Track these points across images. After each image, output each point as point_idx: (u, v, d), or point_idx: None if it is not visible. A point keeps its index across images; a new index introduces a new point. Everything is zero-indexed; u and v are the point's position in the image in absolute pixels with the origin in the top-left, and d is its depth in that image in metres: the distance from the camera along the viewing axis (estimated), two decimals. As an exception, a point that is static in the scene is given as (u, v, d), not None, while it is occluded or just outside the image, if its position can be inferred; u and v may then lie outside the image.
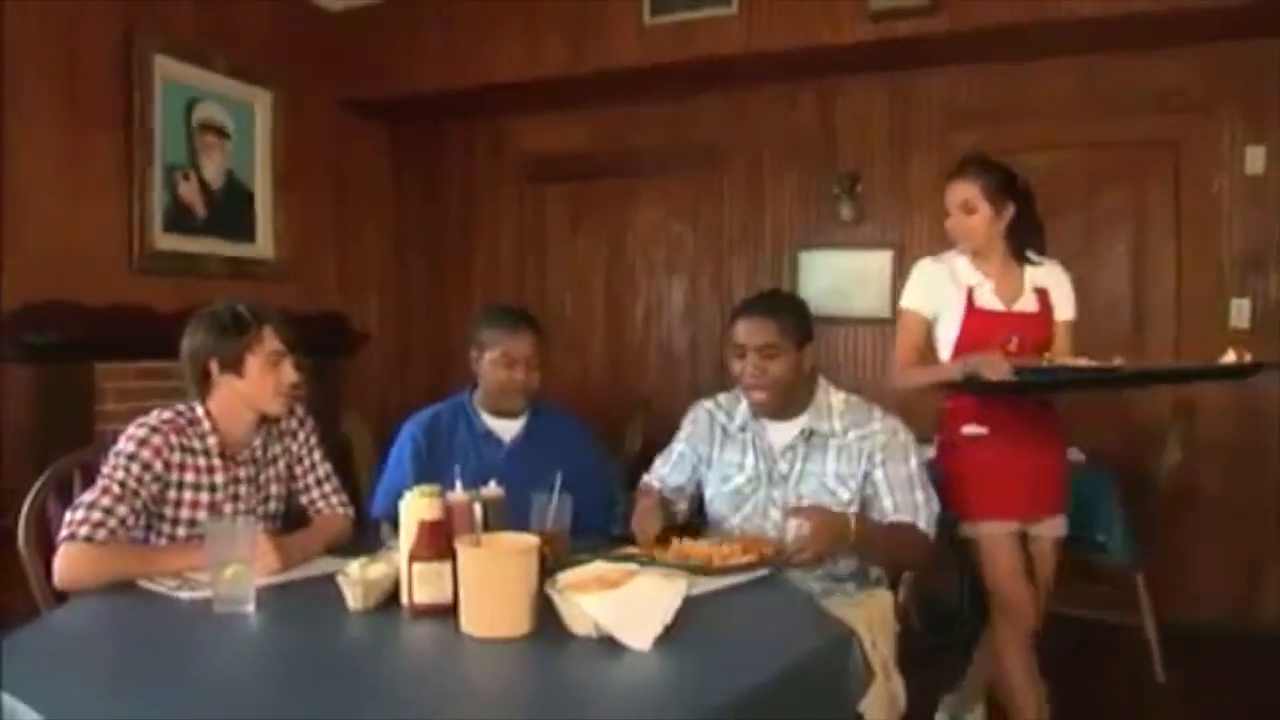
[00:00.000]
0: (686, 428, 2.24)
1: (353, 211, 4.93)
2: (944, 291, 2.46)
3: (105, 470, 1.86)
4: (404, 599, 1.58)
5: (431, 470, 2.15)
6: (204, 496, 1.95)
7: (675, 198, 4.72)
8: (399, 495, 1.67)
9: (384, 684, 1.35)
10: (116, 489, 1.82)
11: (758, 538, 1.94)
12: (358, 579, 1.60)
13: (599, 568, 1.59)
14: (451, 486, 1.81)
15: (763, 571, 1.81)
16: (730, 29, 4.02)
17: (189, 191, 3.97)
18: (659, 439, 2.38)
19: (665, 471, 2.23)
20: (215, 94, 4.06)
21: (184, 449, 1.93)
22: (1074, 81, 4.01)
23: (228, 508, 1.97)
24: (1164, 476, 3.34)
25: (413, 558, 1.56)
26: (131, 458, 1.85)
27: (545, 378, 2.41)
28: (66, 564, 1.76)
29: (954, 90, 4.19)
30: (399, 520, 1.63)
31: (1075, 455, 3.57)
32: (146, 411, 1.95)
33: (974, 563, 2.44)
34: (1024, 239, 2.49)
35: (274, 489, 2.08)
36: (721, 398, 2.23)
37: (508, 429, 2.40)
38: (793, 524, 1.85)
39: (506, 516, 1.83)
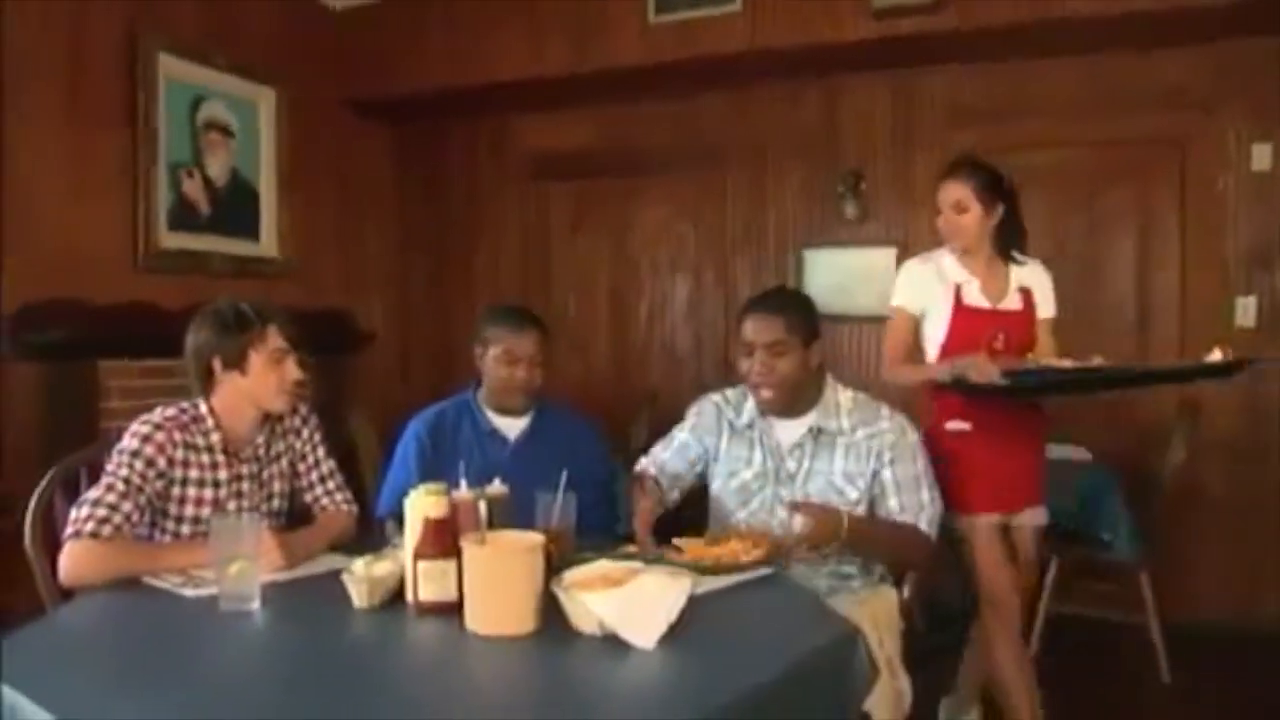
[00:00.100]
0: (691, 418, 2.23)
1: (356, 209, 4.93)
2: (932, 290, 2.53)
3: (110, 467, 1.86)
4: (409, 597, 1.58)
5: (436, 468, 2.15)
6: (208, 493, 1.95)
7: (679, 196, 4.72)
8: (404, 494, 1.67)
9: (389, 682, 1.35)
10: (121, 486, 1.82)
11: (761, 534, 1.94)
12: (363, 576, 1.60)
13: (604, 566, 1.59)
14: (456, 484, 1.81)
15: (767, 570, 1.81)
16: (734, 27, 4.02)
17: (193, 189, 3.97)
18: (664, 434, 2.37)
19: (665, 457, 2.21)
20: (219, 92, 4.07)
21: (188, 446, 1.93)
22: (1078, 80, 4.01)
23: (231, 505, 1.97)
24: (1169, 476, 3.34)
25: (418, 555, 1.56)
26: (135, 454, 1.86)
27: (549, 376, 2.41)
28: (72, 561, 1.76)
29: (957, 88, 4.18)
30: (404, 518, 1.64)
31: (1080, 454, 3.58)
32: (151, 409, 1.96)
33: (960, 555, 2.48)
34: (1009, 238, 2.56)
35: (277, 486, 2.08)
36: (729, 393, 2.22)
37: (512, 427, 2.40)
38: (798, 520, 1.88)
39: (511, 514, 1.83)
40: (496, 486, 1.89)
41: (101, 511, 1.78)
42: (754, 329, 2.07)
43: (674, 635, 1.40)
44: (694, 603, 1.47)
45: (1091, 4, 3.53)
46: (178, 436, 1.91)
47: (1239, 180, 3.84)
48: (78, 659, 1.46)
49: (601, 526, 2.18)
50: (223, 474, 1.97)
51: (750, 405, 2.15)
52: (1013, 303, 2.54)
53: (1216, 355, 2.36)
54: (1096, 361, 2.33)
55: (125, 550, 1.80)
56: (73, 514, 1.80)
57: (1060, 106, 4.03)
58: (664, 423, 2.33)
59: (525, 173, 4.98)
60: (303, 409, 2.13)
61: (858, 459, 2.06)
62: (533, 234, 5.01)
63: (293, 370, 2.00)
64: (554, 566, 1.58)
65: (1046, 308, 2.59)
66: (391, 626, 1.55)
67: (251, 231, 4.27)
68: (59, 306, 3.31)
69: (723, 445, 2.17)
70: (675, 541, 1.87)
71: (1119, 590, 3.46)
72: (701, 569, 1.73)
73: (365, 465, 3.67)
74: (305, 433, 2.13)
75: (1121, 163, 4.01)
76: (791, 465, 2.09)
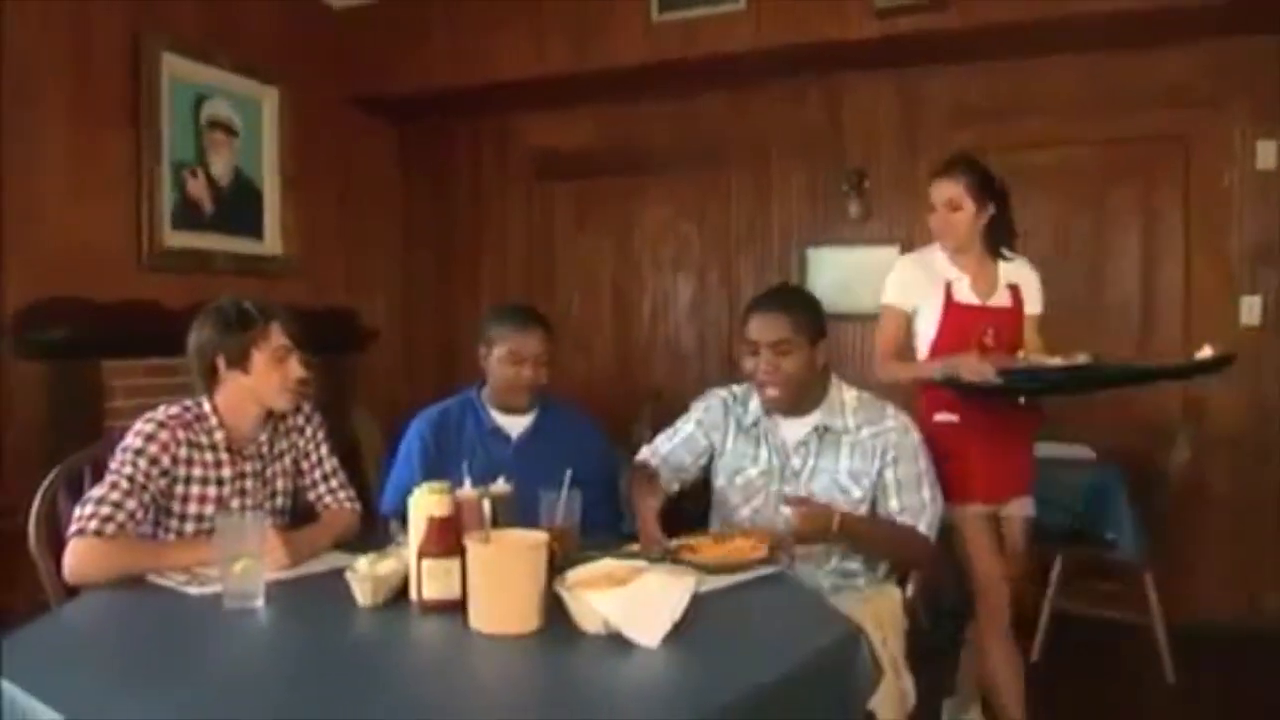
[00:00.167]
0: (698, 412, 2.22)
1: (360, 208, 4.93)
2: (924, 287, 2.57)
3: (113, 466, 1.86)
4: (413, 595, 1.59)
5: (439, 467, 2.15)
6: (211, 491, 1.95)
7: (682, 195, 4.72)
8: (407, 492, 1.67)
9: (393, 680, 1.35)
10: (125, 484, 1.82)
11: (765, 532, 1.93)
12: (367, 575, 1.61)
13: (608, 565, 1.59)
14: (460, 483, 1.81)
15: (772, 568, 1.81)
16: (737, 25, 4.01)
17: (197, 188, 3.98)
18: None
19: (668, 448, 2.20)
20: (223, 91, 4.07)
21: (191, 444, 1.93)
22: (1081, 78, 4.00)
23: (235, 503, 1.98)
24: (1173, 475, 3.33)
25: (422, 554, 1.56)
26: (139, 453, 1.86)
27: (553, 375, 2.40)
28: (76, 558, 1.76)
29: (960, 87, 4.17)
30: (407, 517, 1.64)
31: (1084, 453, 3.58)
32: (155, 408, 1.96)
33: (952, 545, 2.49)
34: (999, 236, 2.60)
35: (280, 484, 2.08)
36: (736, 389, 2.21)
37: (516, 425, 2.40)
38: (787, 512, 1.91)
39: (515, 513, 1.83)
40: (500, 485, 1.89)
41: (105, 510, 1.79)
42: (759, 328, 2.07)
43: (678, 634, 1.40)
44: (698, 601, 1.47)
45: (1095, 2, 3.52)
46: (181, 435, 1.91)
47: (1244, 178, 3.83)
48: (82, 656, 1.46)
49: (605, 525, 2.17)
50: (226, 472, 1.97)
51: (756, 403, 2.14)
52: (1002, 300, 2.58)
53: (1206, 351, 2.40)
54: (1082, 359, 2.37)
55: (129, 548, 1.80)
56: (77, 512, 1.81)
57: (1064, 105, 4.02)
58: (667, 421, 2.32)
59: (529, 171, 4.98)
60: (306, 407, 2.13)
61: (862, 457, 2.06)
62: (536, 232, 5.01)
63: (296, 368, 2.00)
64: (558, 565, 1.58)
65: (1034, 305, 2.64)
66: (395, 625, 1.55)
67: (255, 230, 4.27)
68: (63, 305, 3.32)
69: (729, 441, 2.17)
70: (687, 540, 1.85)
71: (1123, 590, 3.46)
72: (706, 567, 1.73)
73: (368, 463, 3.68)
74: (308, 431, 2.13)
75: (1125, 161, 4.00)
76: (796, 463, 2.09)
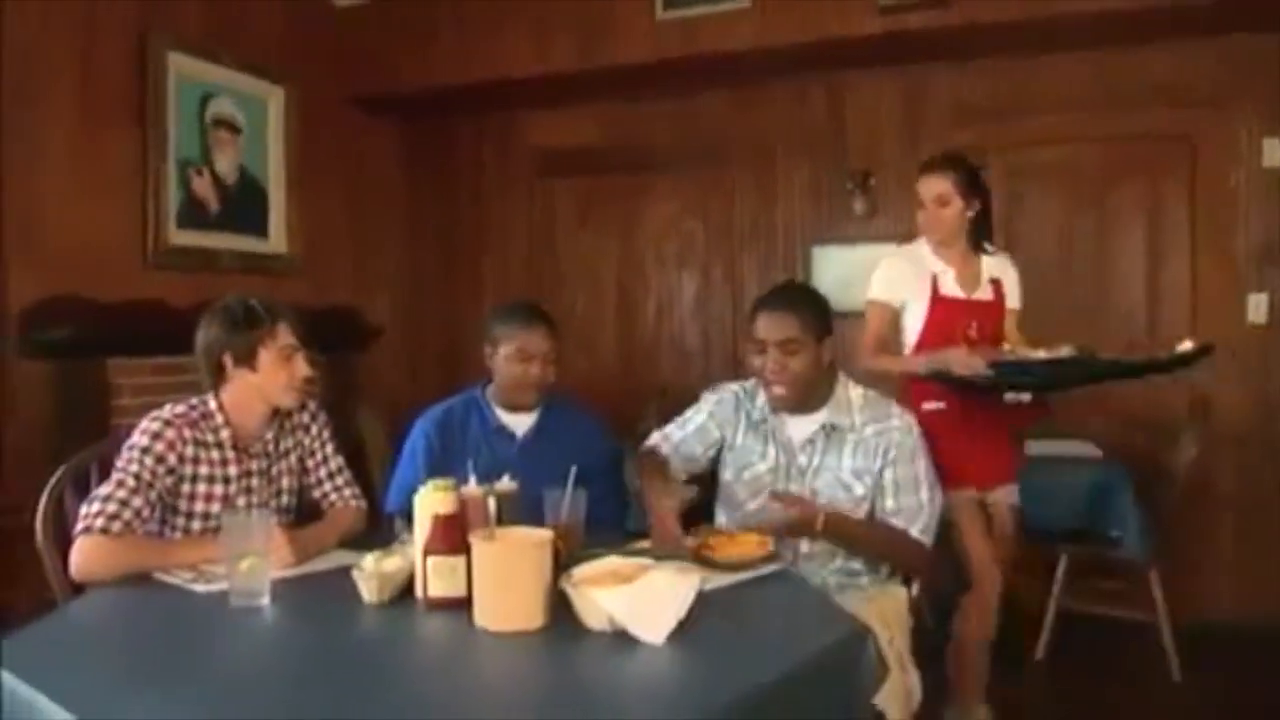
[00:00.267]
0: (709, 404, 2.22)
1: (364, 206, 4.93)
2: (910, 282, 2.65)
3: (120, 464, 1.87)
4: (418, 592, 1.59)
5: (444, 466, 2.15)
6: (218, 489, 1.96)
7: (686, 193, 4.71)
8: (412, 491, 1.68)
9: (398, 677, 1.35)
10: (131, 482, 1.83)
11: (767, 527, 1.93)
12: (372, 572, 1.61)
13: (613, 562, 1.59)
14: (465, 481, 1.81)
15: (777, 566, 1.81)
16: (741, 23, 4.00)
17: (202, 187, 3.98)
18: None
19: (680, 437, 2.19)
20: (228, 90, 4.07)
21: (197, 443, 1.94)
22: (1086, 75, 3.99)
23: (241, 501, 1.98)
24: (1179, 472, 3.32)
25: (427, 551, 1.57)
26: (145, 451, 1.87)
27: (557, 373, 2.40)
28: (83, 556, 1.77)
29: (965, 84, 4.16)
30: (412, 515, 1.64)
31: (1090, 450, 3.58)
32: (161, 406, 1.96)
33: (949, 541, 2.51)
34: (981, 232, 2.70)
35: (286, 482, 2.09)
36: (746, 384, 2.21)
37: (520, 423, 2.40)
38: (774, 507, 1.93)
39: (520, 510, 1.83)
40: (505, 482, 1.89)
41: (112, 507, 1.79)
42: (766, 326, 2.06)
43: (683, 631, 1.40)
44: (703, 599, 1.47)
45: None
46: (187, 433, 1.92)
47: (1250, 176, 3.81)
48: (88, 653, 1.47)
49: (610, 522, 2.17)
50: (232, 470, 1.98)
51: (763, 399, 2.14)
52: (985, 293, 2.68)
53: (1187, 345, 2.49)
54: (1065, 351, 2.45)
55: (135, 546, 1.81)
56: (83, 510, 1.82)
57: (1069, 102, 4.01)
58: (673, 418, 2.32)
59: (533, 169, 4.97)
60: (311, 405, 2.14)
61: (865, 455, 2.05)
62: (540, 230, 5.01)
63: (302, 367, 2.01)
64: (563, 563, 1.58)
65: (1014, 299, 2.74)
66: (401, 622, 1.56)
67: (260, 228, 4.27)
68: (68, 304, 3.32)
69: (738, 436, 2.16)
70: (704, 539, 1.84)
71: (1128, 588, 3.45)
72: (711, 565, 1.73)
73: (373, 461, 3.68)
74: (314, 429, 2.14)
75: (1131, 159, 3.99)
76: (802, 461, 2.09)
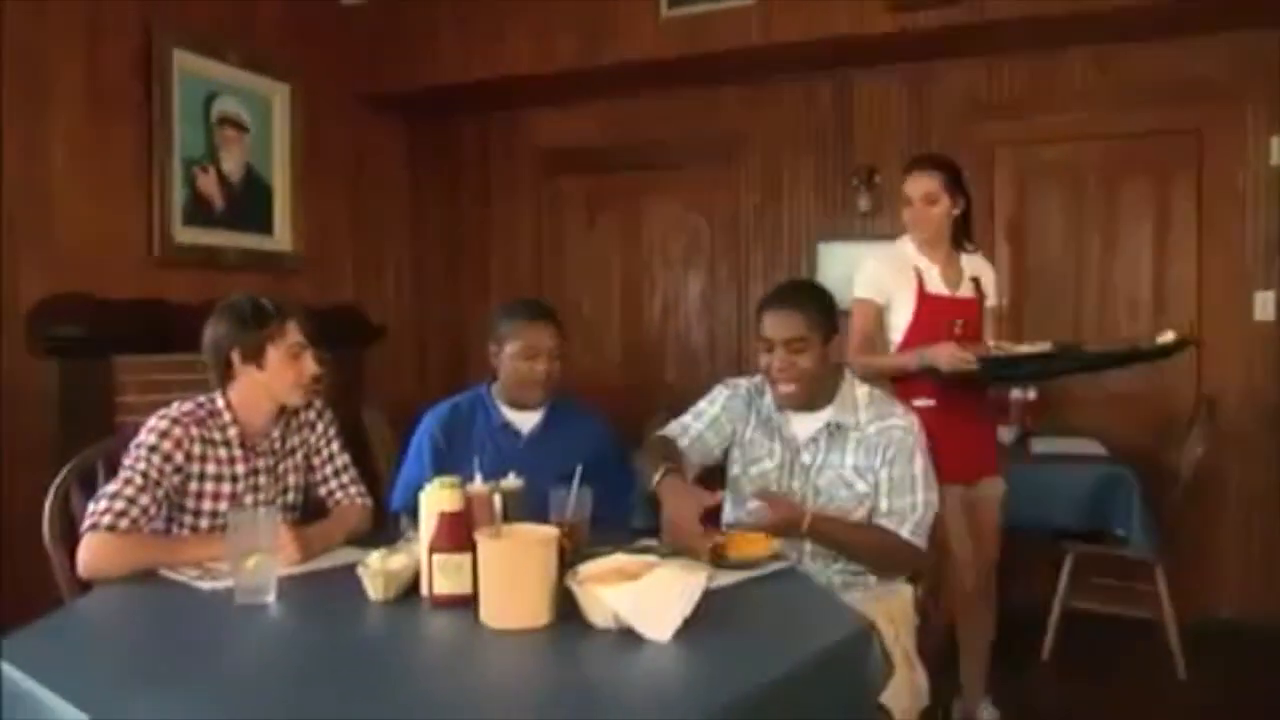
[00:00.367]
0: (722, 398, 2.20)
1: (369, 204, 4.94)
2: (896, 281, 2.70)
3: (127, 462, 1.87)
4: (424, 590, 1.59)
5: (450, 464, 2.15)
6: (225, 487, 1.96)
7: (692, 190, 4.71)
8: (417, 489, 1.68)
9: (404, 675, 1.35)
10: (139, 480, 1.84)
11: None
12: (378, 570, 1.61)
13: (619, 560, 1.60)
14: (471, 478, 1.81)
15: (782, 564, 1.81)
16: (746, 21, 4.00)
17: (208, 185, 3.99)
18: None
19: (698, 430, 2.16)
20: (233, 88, 4.08)
21: (205, 441, 1.94)
22: (1094, 72, 3.98)
23: (248, 499, 1.99)
24: (1185, 470, 3.31)
25: (433, 549, 1.57)
26: (153, 449, 1.87)
27: (562, 370, 2.40)
28: (90, 553, 1.78)
29: (972, 81, 4.16)
30: (418, 513, 1.64)
31: (1094, 448, 3.57)
32: (168, 403, 1.97)
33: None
34: (962, 231, 2.76)
35: (292, 480, 2.09)
36: (756, 380, 2.20)
37: (526, 421, 2.40)
38: (758, 505, 1.93)
39: (526, 508, 1.83)
40: (511, 480, 1.89)
41: (119, 505, 1.80)
42: (773, 325, 2.06)
43: (689, 629, 1.40)
44: (709, 596, 1.46)
45: (1107, -4, 3.51)
46: (195, 432, 1.93)
47: (1257, 173, 3.80)
48: (93, 650, 1.47)
49: (615, 519, 2.17)
50: (240, 468, 1.98)
51: (770, 397, 2.13)
52: (967, 291, 2.74)
53: (1169, 336, 2.55)
54: (1044, 347, 2.56)
55: (142, 543, 1.81)
56: (90, 507, 1.82)
57: (1077, 99, 4.00)
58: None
59: (538, 167, 4.97)
60: (317, 403, 2.14)
61: (867, 453, 2.05)
62: (545, 229, 5.01)
63: (310, 365, 2.02)
64: (568, 560, 1.58)
65: (992, 297, 2.82)
66: (406, 620, 1.56)
67: (265, 226, 4.28)
68: (74, 302, 3.33)
69: (748, 432, 2.16)
70: (724, 538, 1.83)
71: (1134, 587, 3.44)
72: (717, 563, 1.73)
73: (379, 459, 3.68)
74: (320, 427, 2.14)
75: (1139, 155, 3.98)
76: (806, 458, 2.08)
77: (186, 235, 3.85)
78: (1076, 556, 3.39)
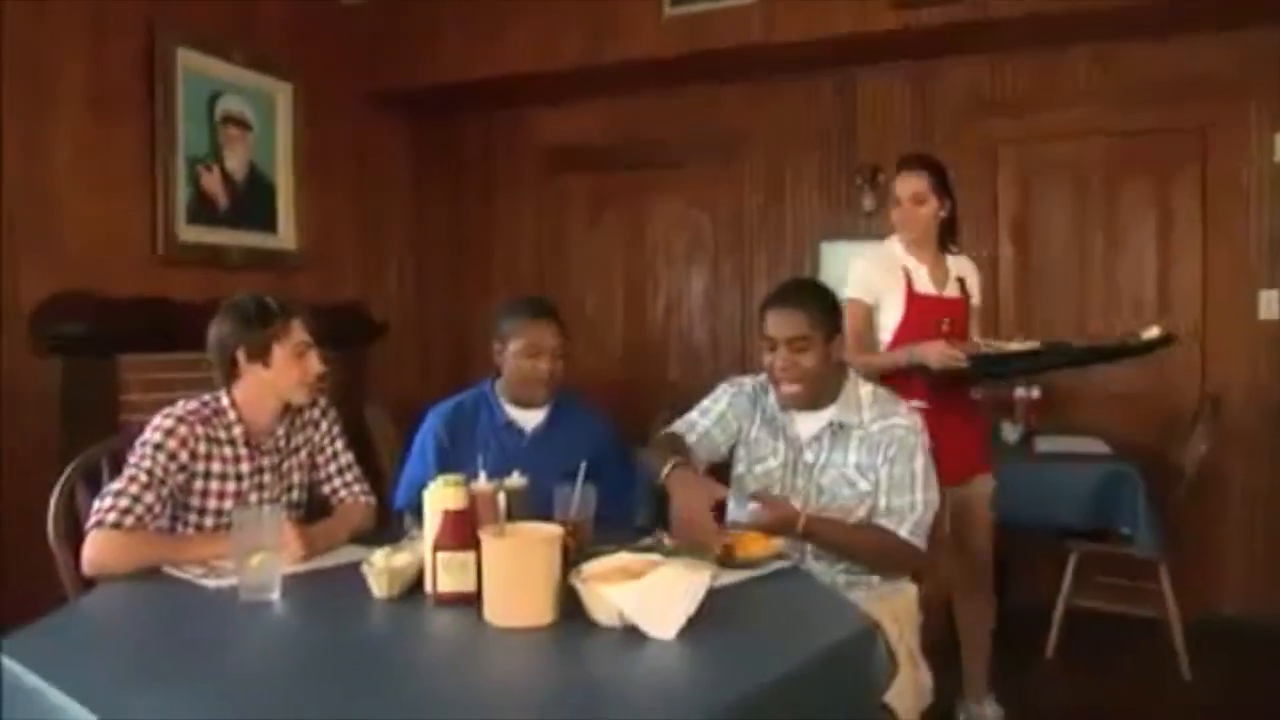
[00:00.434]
0: (728, 396, 2.20)
1: (373, 202, 4.94)
2: (885, 280, 2.73)
3: (132, 460, 1.88)
4: (428, 588, 1.59)
5: (454, 462, 2.15)
6: (230, 486, 1.97)
7: (695, 189, 4.71)
8: (421, 487, 1.68)
9: (408, 672, 1.35)
10: (144, 477, 1.84)
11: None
12: (382, 568, 1.61)
13: (623, 558, 1.60)
14: (475, 476, 1.81)
15: (786, 563, 1.81)
16: (749, 19, 4.00)
17: (212, 183, 3.99)
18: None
19: (705, 427, 2.16)
20: (237, 86, 4.08)
21: (210, 439, 1.95)
22: (1098, 70, 3.97)
23: (253, 497, 1.99)
24: (1190, 468, 3.31)
25: (437, 547, 1.57)
26: (158, 447, 1.88)
27: (565, 368, 2.40)
28: (95, 551, 1.78)
29: (976, 79, 4.15)
30: (422, 511, 1.64)
31: (1098, 446, 3.56)
32: (172, 402, 1.97)
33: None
34: (948, 232, 2.79)
35: (297, 478, 2.09)
36: (760, 378, 2.19)
37: (530, 419, 2.40)
38: (753, 507, 1.92)
39: (530, 506, 1.83)
40: (515, 478, 1.89)
41: (124, 502, 1.80)
42: (776, 324, 2.05)
43: (693, 627, 1.40)
44: (713, 595, 1.46)
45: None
46: (200, 430, 1.93)
47: (1261, 171, 3.79)
48: (97, 647, 1.47)
49: (619, 517, 2.17)
50: (245, 466, 1.99)
51: (773, 396, 2.13)
52: (954, 290, 2.77)
53: (1154, 331, 2.61)
54: (1031, 344, 2.64)
55: (147, 541, 1.82)
56: (95, 505, 1.83)
57: (1080, 97, 3.99)
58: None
59: (541, 166, 4.98)
60: (321, 401, 2.15)
61: (869, 451, 2.04)
62: (548, 227, 5.01)
63: (315, 363, 2.02)
64: (572, 559, 1.58)
65: (976, 296, 2.86)
66: (410, 617, 1.56)
67: (269, 224, 4.29)
68: (78, 300, 3.33)
69: (753, 430, 2.16)
70: (729, 538, 1.83)
71: (1138, 585, 3.43)
72: (721, 562, 1.73)
73: (382, 457, 3.68)
74: (324, 425, 2.14)
75: (1142, 153, 3.98)
76: (809, 457, 2.08)
77: (190, 234, 3.86)
78: (1081, 555, 3.39)
